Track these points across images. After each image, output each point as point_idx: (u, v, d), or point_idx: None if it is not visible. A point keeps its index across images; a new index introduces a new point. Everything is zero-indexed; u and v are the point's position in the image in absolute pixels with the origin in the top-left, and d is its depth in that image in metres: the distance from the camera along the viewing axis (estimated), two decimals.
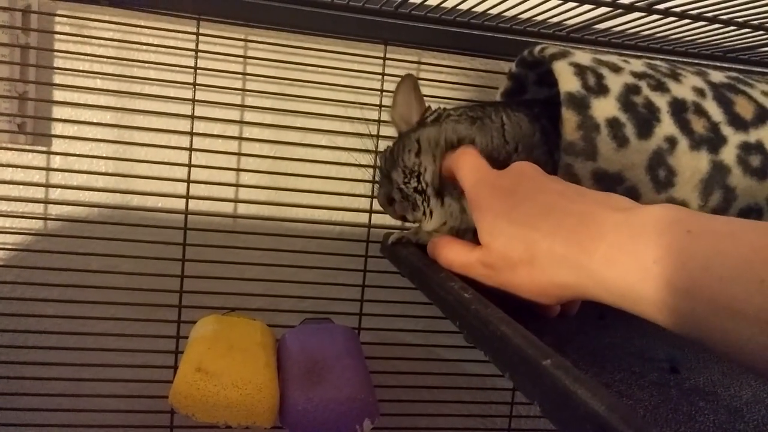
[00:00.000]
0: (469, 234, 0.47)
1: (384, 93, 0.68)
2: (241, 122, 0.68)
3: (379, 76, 0.68)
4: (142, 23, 0.64)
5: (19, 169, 0.65)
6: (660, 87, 0.45)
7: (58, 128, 0.65)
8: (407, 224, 0.72)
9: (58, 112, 0.65)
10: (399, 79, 0.68)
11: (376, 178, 0.61)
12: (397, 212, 0.53)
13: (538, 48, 0.49)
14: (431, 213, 0.49)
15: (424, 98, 0.53)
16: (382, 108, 0.68)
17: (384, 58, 0.67)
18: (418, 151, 0.49)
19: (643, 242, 0.29)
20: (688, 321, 0.26)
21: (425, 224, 0.50)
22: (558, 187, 0.38)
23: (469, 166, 0.44)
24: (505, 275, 0.37)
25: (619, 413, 0.23)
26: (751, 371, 0.25)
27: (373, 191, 0.69)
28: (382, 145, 0.68)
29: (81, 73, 0.64)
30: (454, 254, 0.43)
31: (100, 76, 0.65)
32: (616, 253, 0.30)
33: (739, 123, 0.45)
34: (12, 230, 0.65)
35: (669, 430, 0.28)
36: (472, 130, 0.48)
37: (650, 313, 0.28)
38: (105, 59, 0.64)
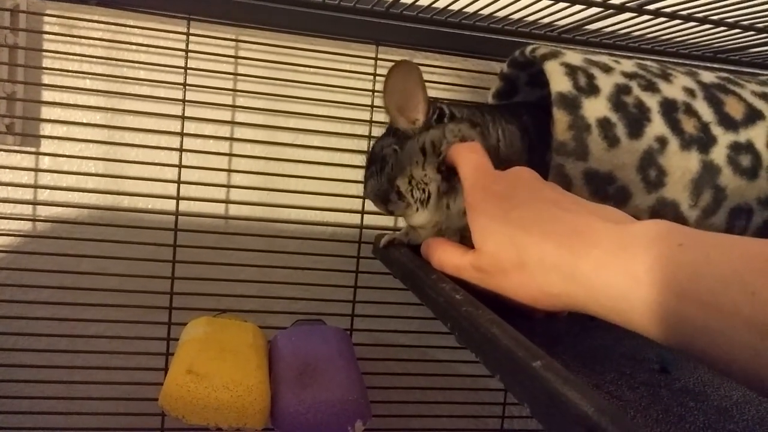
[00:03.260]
0: (455, 235, 0.47)
1: (376, 93, 0.67)
2: (232, 123, 0.68)
3: (371, 77, 0.67)
4: (132, 23, 0.64)
5: (7, 170, 0.64)
6: (651, 87, 0.45)
7: (47, 129, 0.64)
8: (399, 224, 0.73)
9: (47, 112, 0.64)
10: None
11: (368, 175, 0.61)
12: (388, 209, 0.53)
13: (529, 48, 0.50)
14: (423, 212, 0.49)
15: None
16: (374, 108, 0.68)
17: (375, 59, 0.67)
18: (424, 162, 0.48)
19: (635, 252, 0.29)
20: (678, 331, 0.26)
21: (413, 218, 0.50)
22: (553, 195, 0.38)
23: (471, 163, 0.43)
24: (496, 279, 0.37)
25: (609, 415, 0.23)
26: (739, 382, 0.25)
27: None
28: None
29: (70, 74, 0.64)
30: (446, 256, 0.43)
31: (90, 76, 0.64)
32: (607, 262, 0.30)
33: (729, 123, 0.45)
34: (0, 232, 0.64)
35: (659, 431, 0.28)
36: (474, 133, 0.48)
37: (639, 322, 0.28)
38: (94, 59, 0.64)
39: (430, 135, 0.48)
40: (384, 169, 0.51)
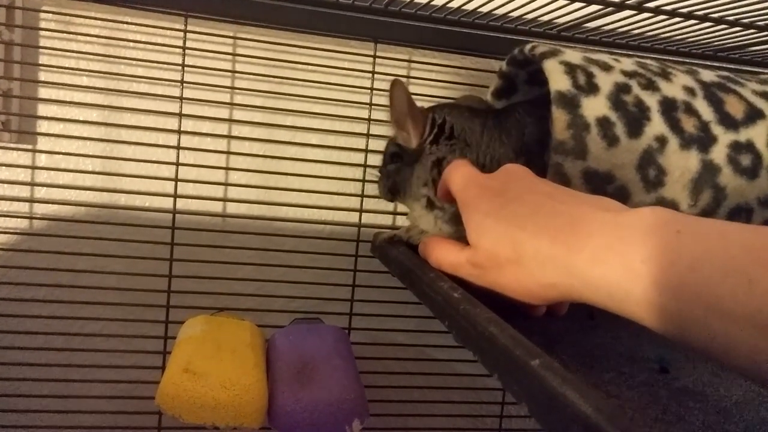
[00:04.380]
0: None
1: (374, 91, 0.67)
2: (230, 120, 0.67)
3: (369, 74, 0.67)
4: (129, 20, 0.63)
5: (3, 167, 0.64)
6: (650, 86, 0.45)
7: (43, 126, 0.64)
8: (398, 224, 0.72)
9: (43, 109, 0.64)
10: (389, 77, 0.68)
11: (370, 176, 0.62)
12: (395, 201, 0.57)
13: (528, 46, 0.49)
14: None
15: (415, 97, 0.52)
16: (372, 106, 0.68)
17: (374, 56, 0.67)
18: (426, 181, 0.50)
19: (631, 242, 0.29)
20: (675, 321, 0.26)
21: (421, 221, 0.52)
22: (547, 188, 0.38)
23: (459, 173, 0.44)
24: (492, 275, 0.37)
25: (607, 414, 0.23)
26: (737, 372, 0.25)
27: (363, 190, 0.68)
28: (373, 143, 0.67)
29: (67, 71, 0.63)
30: (443, 254, 0.43)
31: (87, 73, 0.64)
32: (604, 253, 0.30)
33: (729, 122, 0.45)
34: None
35: (658, 431, 0.28)
36: (462, 155, 0.49)
37: (637, 313, 0.28)
38: (91, 56, 0.64)
39: (420, 165, 0.51)
40: (388, 180, 0.55)
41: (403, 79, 0.69)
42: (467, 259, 0.39)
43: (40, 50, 0.63)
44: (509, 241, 0.35)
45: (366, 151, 0.67)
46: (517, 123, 0.50)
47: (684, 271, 0.26)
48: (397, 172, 0.53)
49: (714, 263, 0.25)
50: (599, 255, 0.30)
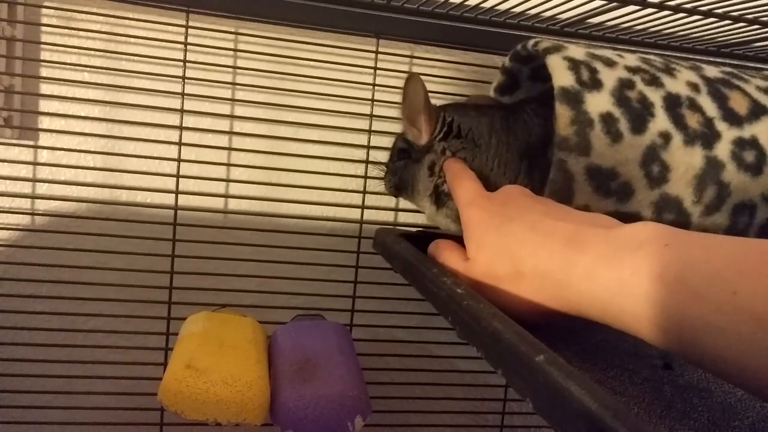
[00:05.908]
0: None
1: (376, 87, 0.67)
2: (232, 116, 0.67)
3: (371, 70, 0.67)
4: (131, 15, 0.63)
5: (5, 163, 0.64)
6: (654, 82, 0.45)
7: (45, 122, 0.64)
8: (400, 220, 0.72)
9: (45, 105, 0.64)
10: (391, 73, 0.68)
11: (374, 173, 0.62)
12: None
13: (531, 42, 0.49)
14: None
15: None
16: (375, 102, 0.67)
17: (376, 52, 0.66)
18: (431, 174, 0.51)
19: (622, 256, 0.29)
20: (665, 332, 0.27)
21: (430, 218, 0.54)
22: (543, 207, 0.39)
23: (464, 187, 0.45)
24: (489, 290, 0.38)
25: (612, 410, 0.22)
26: (726, 380, 0.25)
27: (365, 186, 0.68)
28: (375, 140, 0.67)
29: (68, 66, 0.63)
30: (446, 260, 0.43)
31: (88, 69, 0.64)
32: (597, 267, 0.30)
33: (733, 118, 0.45)
34: None
35: (663, 427, 0.28)
36: (468, 155, 0.50)
37: (631, 324, 0.29)
38: (93, 52, 0.63)
39: (428, 159, 0.51)
40: (395, 176, 0.54)
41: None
42: (464, 269, 0.40)
43: (42, 46, 0.63)
44: (508, 257, 0.36)
45: (368, 147, 0.67)
46: (524, 125, 0.50)
47: (671, 283, 0.26)
48: (404, 168, 0.53)
49: (699, 275, 0.26)
50: (593, 269, 0.31)
